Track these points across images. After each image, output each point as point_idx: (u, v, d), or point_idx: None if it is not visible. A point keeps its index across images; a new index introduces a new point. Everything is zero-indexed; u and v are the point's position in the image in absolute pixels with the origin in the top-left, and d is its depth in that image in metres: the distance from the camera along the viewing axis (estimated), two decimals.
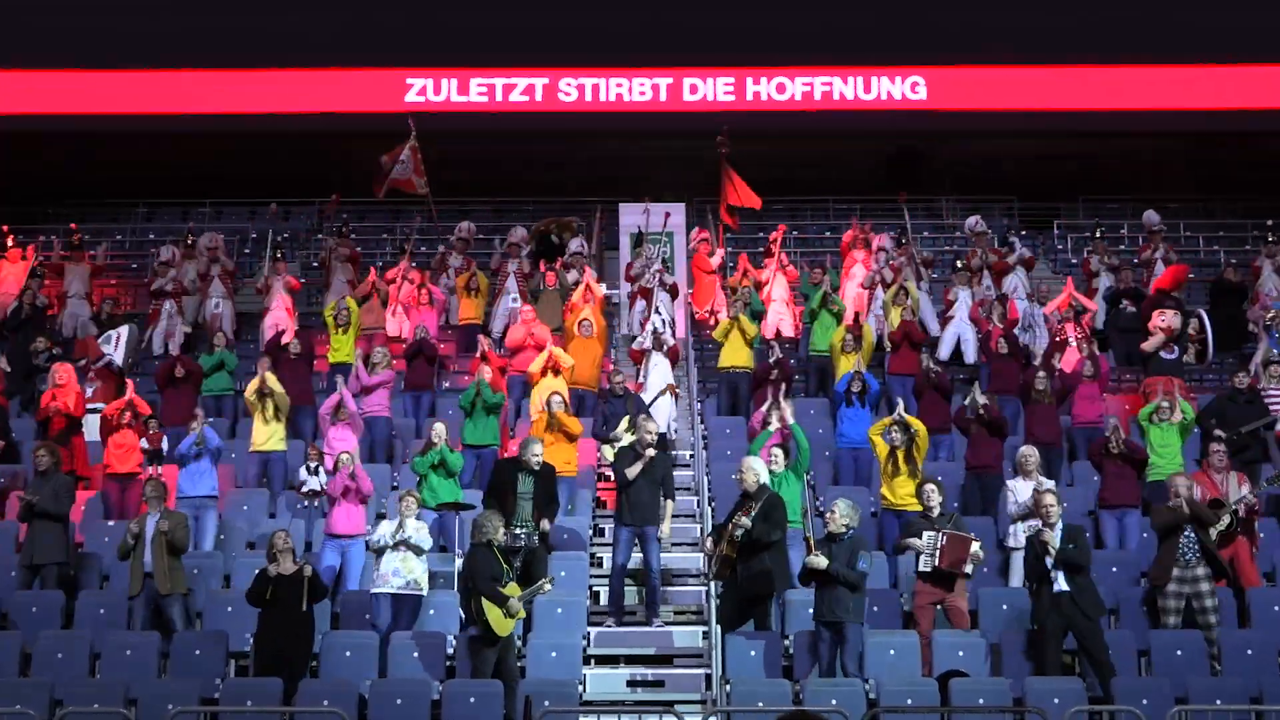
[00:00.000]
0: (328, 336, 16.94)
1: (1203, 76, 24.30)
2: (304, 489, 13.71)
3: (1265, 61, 24.26)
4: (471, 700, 10.86)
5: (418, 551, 12.06)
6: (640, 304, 17.79)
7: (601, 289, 18.41)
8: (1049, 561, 11.15)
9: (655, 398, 15.21)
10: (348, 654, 11.57)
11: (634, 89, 24.55)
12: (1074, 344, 16.33)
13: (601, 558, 13.51)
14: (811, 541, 11.42)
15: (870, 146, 25.22)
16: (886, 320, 17.60)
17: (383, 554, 11.98)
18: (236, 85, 24.40)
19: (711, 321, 18.59)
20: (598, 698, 11.50)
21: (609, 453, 14.05)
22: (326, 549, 12.82)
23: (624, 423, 14.26)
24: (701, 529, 13.77)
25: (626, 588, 12.70)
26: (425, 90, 24.50)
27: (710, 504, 14.09)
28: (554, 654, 11.60)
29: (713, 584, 12.08)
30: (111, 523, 13.70)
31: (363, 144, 24.29)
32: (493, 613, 11.06)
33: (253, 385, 14.77)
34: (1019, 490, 12.74)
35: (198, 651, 11.64)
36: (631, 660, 12.07)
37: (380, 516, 13.28)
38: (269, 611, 11.37)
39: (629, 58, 24.37)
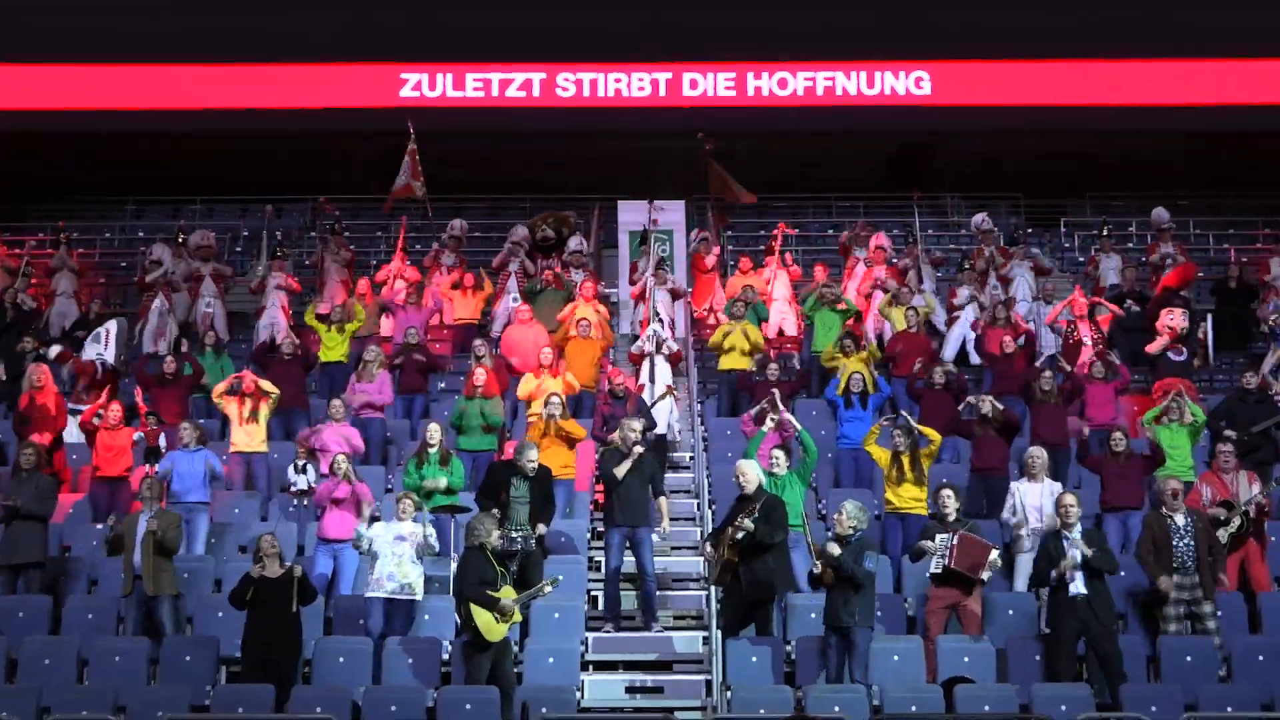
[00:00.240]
0: (318, 337, 16.88)
1: (1211, 71, 24.25)
2: (293, 489, 13.64)
3: (1276, 57, 24.23)
4: (467, 707, 10.83)
5: (432, 553, 12.04)
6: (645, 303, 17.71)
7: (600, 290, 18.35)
8: (1074, 564, 11.09)
9: (655, 401, 15.19)
10: (341, 660, 11.55)
11: (633, 84, 24.51)
12: (1089, 344, 16.31)
13: (600, 562, 13.47)
14: (814, 547, 11.39)
15: (873, 143, 25.22)
16: (889, 322, 17.58)
17: (377, 558, 11.96)
18: (228, 81, 24.31)
19: (710, 320, 18.59)
20: (596, 704, 11.48)
21: None
22: (319, 554, 12.79)
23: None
24: (701, 532, 13.75)
25: (625, 592, 12.68)
26: (420, 86, 24.45)
27: (711, 506, 14.07)
28: (551, 660, 11.57)
29: (713, 588, 12.05)
30: (100, 525, 13.67)
31: (357, 140, 24.40)
32: (481, 617, 11.04)
33: (220, 387, 14.72)
34: (1025, 493, 12.70)
35: (188, 657, 11.61)
36: (630, 666, 12.04)
37: (374, 519, 13.23)
38: (255, 615, 11.34)
39: (628, 52, 24.32)
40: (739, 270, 18.71)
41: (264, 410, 14.62)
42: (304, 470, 13.64)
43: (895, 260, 19.26)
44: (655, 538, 12.74)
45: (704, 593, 12.74)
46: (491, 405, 14.58)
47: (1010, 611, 12.09)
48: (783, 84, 24.53)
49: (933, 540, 11.69)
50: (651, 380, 15.56)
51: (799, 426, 13.37)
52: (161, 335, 18.36)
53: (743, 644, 11.56)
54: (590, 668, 11.95)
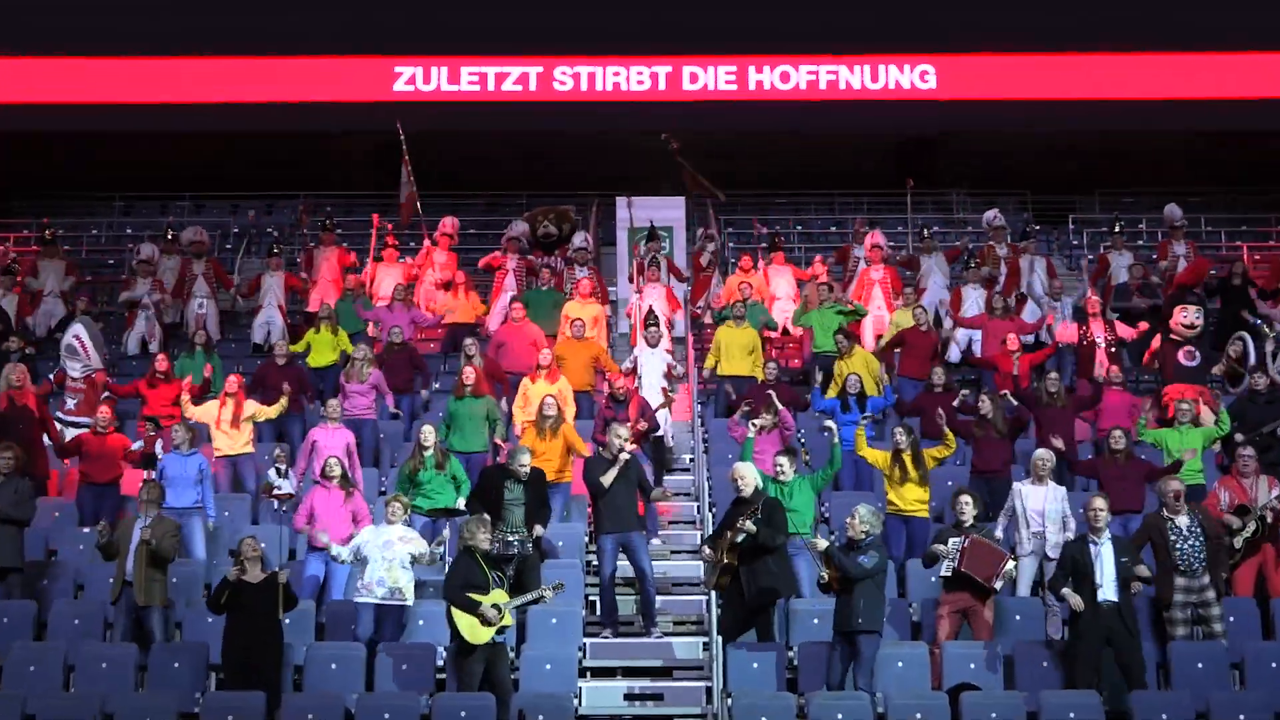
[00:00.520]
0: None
1: (1224, 65, 24.25)
2: (275, 491, 13.55)
3: None
4: (462, 714, 10.82)
5: (431, 560, 12.03)
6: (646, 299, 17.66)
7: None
8: (1106, 575, 11.08)
9: (657, 408, 15.15)
10: (333, 666, 11.53)
11: (632, 78, 24.51)
12: (1102, 345, 16.27)
13: (598, 565, 13.46)
14: (809, 544, 11.38)
15: (877, 139, 25.20)
16: (890, 321, 17.58)
17: (366, 563, 11.94)
18: (216, 75, 24.25)
19: (707, 319, 18.58)
20: (594, 712, 11.47)
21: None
22: (310, 558, 12.77)
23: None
24: (701, 535, 13.73)
25: (624, 597, 12.66)
26: (414, 79, 24.44)
27: (711, 509, 14.05)
28: (548, 666, 11.56)
29: (714, 592, 12.03)
30: (86, 529, 13.64)
31: (348, 135, 24.39)
32: (463, 620, 11.03)
33: (189, 408, 14.58)
34: (1027, 495, 12.67)
35: (176, 664, 11.58)
36: (629, 673, 12.01)
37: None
38: (234, 619, 11.32)
39: (627, 45, 24.30)
40: (739, 268, 18.71)
41: (249, 413, 14.53)
42: (286, 474, 13.58)
43: (897, 257, 19.27)
44: (655, 541, 12.70)
45: (704, 597, 12.72)
46: (482, 404, 14.52)
47: (1018, 617, 12.08)
48: (785, 78, 24.51)
49: (945, 544, 11.66)
50: (640, 379, 15.53)
51: (834, 428, 13.28)
52: (152, 337, 18.38)
53: (744, 650, 11.55)
54: (588, 674, 11.93)
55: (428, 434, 13.32)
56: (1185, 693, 11.07)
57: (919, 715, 10.84)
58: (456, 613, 11.07)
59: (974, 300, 17.80)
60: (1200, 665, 11.43)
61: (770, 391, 14.40)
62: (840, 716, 10.58)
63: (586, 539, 13.70)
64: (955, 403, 14.48)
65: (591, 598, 12.93)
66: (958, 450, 14.91)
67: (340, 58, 24.36)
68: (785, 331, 18.19)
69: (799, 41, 24.19)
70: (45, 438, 14.79)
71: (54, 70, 24.15)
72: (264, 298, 18.72)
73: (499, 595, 11.18)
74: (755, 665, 11.45)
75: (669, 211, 19.99)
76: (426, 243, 19.55)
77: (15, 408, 14.75)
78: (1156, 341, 16.19)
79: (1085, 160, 24.74)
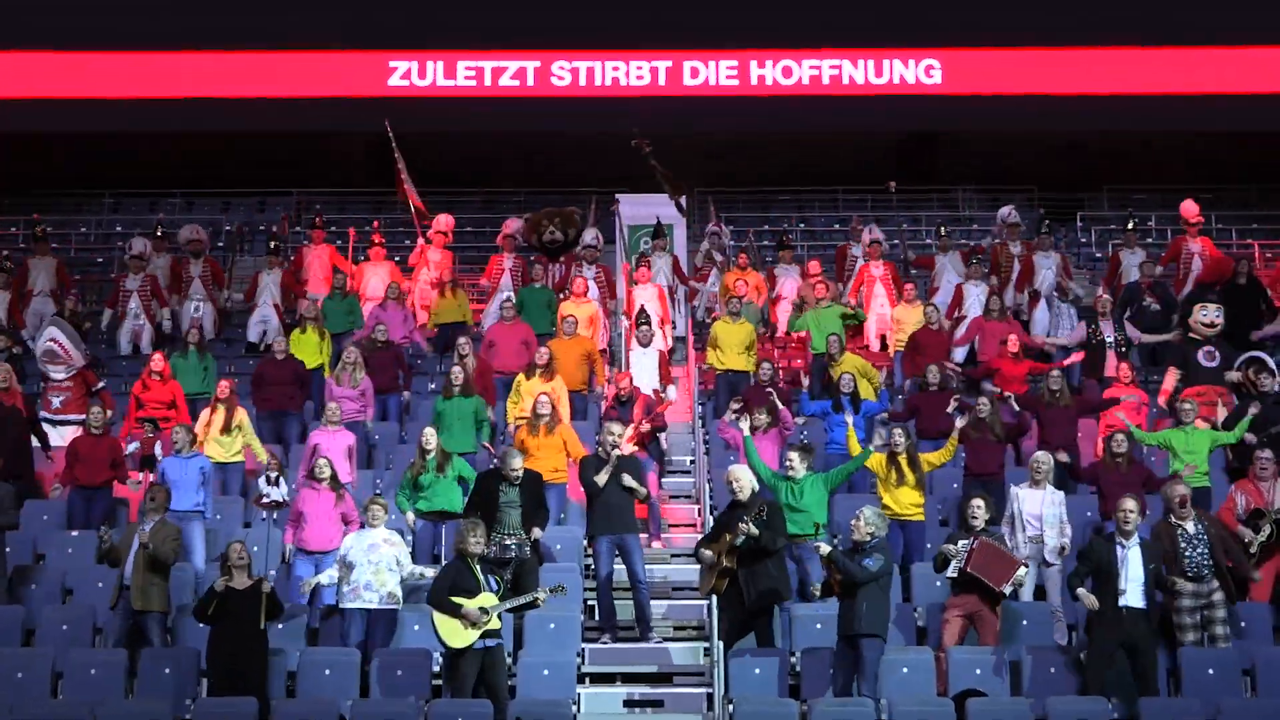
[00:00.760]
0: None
1: (1237, 59, 24.24)
2: (264, 500, 13.48)
3: None
4: None
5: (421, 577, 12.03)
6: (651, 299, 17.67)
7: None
8: (1131, 578, 11.06)
9: (657, 413, 15.14)
10: (327, 672, 11.51)
11: (631, 73, 24.49)
12: (1111, 345, 16.25)
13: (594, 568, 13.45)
14: (814, 547, 11.39)
15: (881, 135, 25.21)
16: (893, 321, 17.58)
17: (353, 568, 11.92)
18: (207, 70, 24.30)
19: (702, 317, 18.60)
20: (593, 718, 11.46)
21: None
22: (300, 564, 12.73)
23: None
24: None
25: (622, 601, 12.65)
26: (409, 75, 24.43)
27: (711, 511, 14.04)
28: (546, 672, 11.53)
29: (715, 597, 12.02)
30: (75, 533, 13.62)
31: (342, 132, 24.40)
32: (444, 625, 11.02)
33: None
34: (1024, 499, 12.62)
35: (167, 669, 11.56)
36: (629, 679, 12.00)
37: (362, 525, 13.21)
38: (220, 627, 11.30)
39: (626, 39, 24.28)
40: (737, 266, 18.71)
41: (239, 420, 14.50)
42: (276, 482, 13.54)
43: (901, 258, 19.28)
44: (656, 545, 12.66)
45: (705, 602, 12.70)
46: (470, 404, 14.48)
47: (1025, 621, 12.06)
48: (787, 73, 24.51)
49: (954, 545, 11.64)
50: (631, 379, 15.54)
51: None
52: (139, 337, 18.35)
53: (745, 656, 11.52)
54: (587, 680, 11.91)
55: (429, 437, 13.28)
56: (1195, 699, 11.06)
57: None
58: (437, 617, 11.06)
59: (975, 298, 17.78)
60: (1211, 671, 11.40)
61: (770, 390, 14.39)
62: None
63: (585, 541, 13.69)
64: (950, 407, 14.33)
65: (590, 602, 12.91)
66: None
67: (335, 53, 24.36)
68: (789, 332, 18.18)
69: (802, 36, 24.17)
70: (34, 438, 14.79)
71: (43, 66, 24.15)
72: (260, 296, 18.69)
73: (487, 599, 11.15)
74: (757, 671, 11.43)
75: (671, 209, 19.94)
76: (421, 241, 19.51)
77: (3, 408, 14.63)
78: (1170, 380, 15.83)
79: (1093, 156, 24.73)
